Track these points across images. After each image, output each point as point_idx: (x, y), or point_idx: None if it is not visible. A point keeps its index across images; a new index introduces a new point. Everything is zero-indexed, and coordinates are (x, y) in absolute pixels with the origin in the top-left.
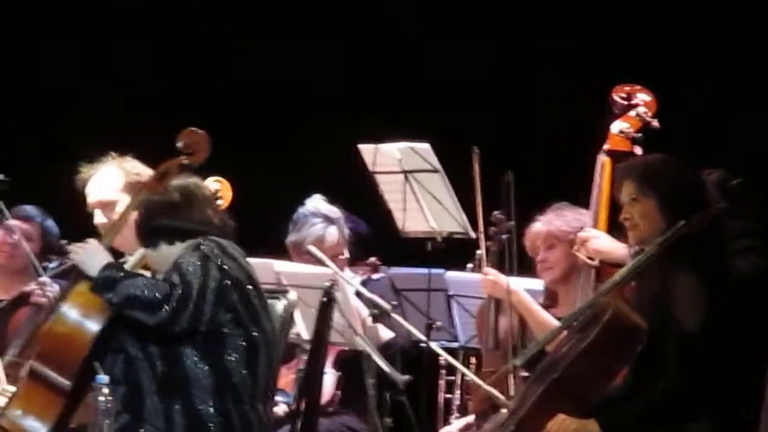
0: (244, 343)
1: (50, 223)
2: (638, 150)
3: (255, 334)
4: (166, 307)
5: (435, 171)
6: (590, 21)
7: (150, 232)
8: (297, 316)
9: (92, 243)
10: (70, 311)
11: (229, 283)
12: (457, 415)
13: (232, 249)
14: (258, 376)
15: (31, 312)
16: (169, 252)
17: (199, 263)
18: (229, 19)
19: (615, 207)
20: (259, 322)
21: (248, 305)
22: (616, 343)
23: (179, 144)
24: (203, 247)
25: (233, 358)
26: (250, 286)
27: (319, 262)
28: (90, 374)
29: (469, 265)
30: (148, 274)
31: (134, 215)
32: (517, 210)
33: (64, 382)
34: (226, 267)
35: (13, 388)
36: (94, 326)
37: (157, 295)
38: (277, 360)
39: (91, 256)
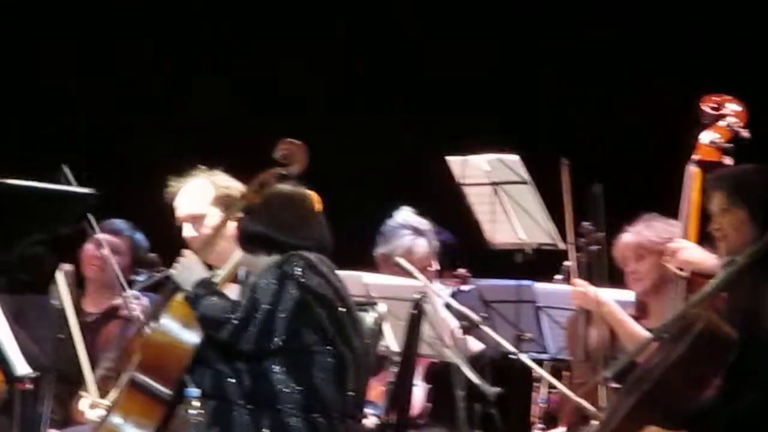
0: (332, 360)
1: (139, 237)
2: (728, 160)
3: (343, 350)
4: (228, 327)
5: (524, 182)
6: (678, 29)
7: (250, 240)
8: (386, 328)
9: (190, 256)
10: (171, 322)
11: (312, 300)
12: (542, 426)
13: (321, 265)
14: (347, 391)
15: (120, 325)
16: (266, 261)
17: (275, 282)
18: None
19: (705, 217)
20: (348, 338)
21: (336, 322)
22: (707, 354)
23: (277, 154)
24: (285, 267)
25: (321, 376)
26: (338, 302)
27: (408, 274)
28: (180, 386)
29: (559, 277)
30: (235, 288)
31: (226, 229)
32: (607, 221)
33: (165, 391)
34: (310, 284)
35: (105, 402)
36: (193, 337)
37: (221, 315)
38: (366, 373)
39: (187, 270)
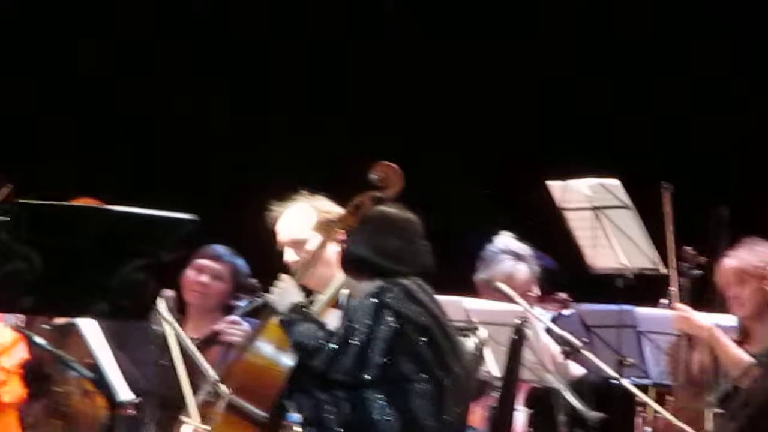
0: (430, 388)
1: (240, 263)
2: None
3: (443, 377)
4: (322, 356)
5: (625, 207)
6: None
7: (354, 264)
8: (487, 353)
9: (287, 281)
10: (266, 345)
11: (409, 328)
12: None
13: (419, 292)
14: (447, 418)
15: (221, 351)
16: (368, 286)
17: (372, 311)
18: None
19: None
20: (447, 365)
21: (434, 349)
22: None
23: (373, 177)
24: (382, 295)
25: (420, 404)
26: (436, 329)
27: (509, 299)
28: (281, 410)
29: (663, 301)
30: (337, 313)
31: (327, 253)
32: (710, 245)
33: (261, 414)
34: (406, 313)
35: (206, 427)
36: (288, 361)
37: (315, 343)
38: (467, 399)
39: (284, 294)
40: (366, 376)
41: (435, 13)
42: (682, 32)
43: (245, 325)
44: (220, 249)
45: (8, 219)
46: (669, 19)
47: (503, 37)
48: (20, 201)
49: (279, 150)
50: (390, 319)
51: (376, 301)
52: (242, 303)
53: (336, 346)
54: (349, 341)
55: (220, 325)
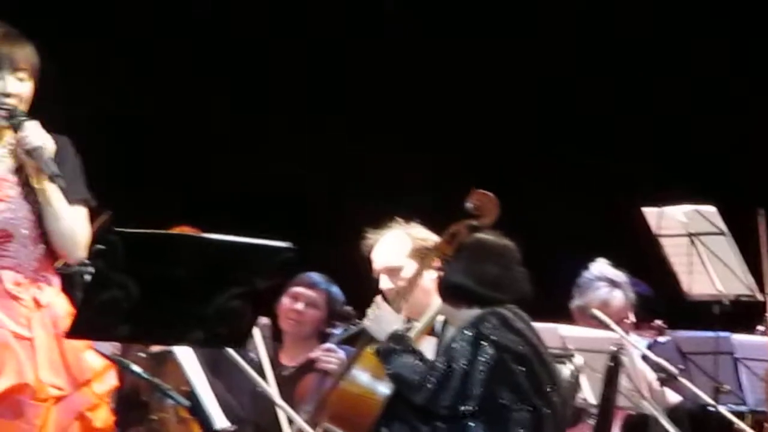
0: (529, 416)
1: (335, 290)
2: None
3: (541, 405)
4: (424, 392)
5: (721, 233)
6: None
7: (452, 292)
8: (583, 380)
9: (382, 306)
10: (362, 373)
11: (508, 358)
12: None
13: (516, 320)
14: None
15: (317, 379)
16: (466, 314)
17: (470, 343)
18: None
19: None
20: (545, 393)
21: (532, 377)
22: None
23: (468, 205)
24: (480, 326)
25: None
26: (534, 358)
27: (605, 325)
28: None
29: (760, 328)
30: (431, 341)
31: (422, 281)
32: None
33: None
34: (504, 343)
35: None
36: (384, 389)
37: (417, 378)
38: (563, 426)
39: (381, 321)
40: (467, 408)
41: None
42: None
43: (340, 353)
44: (316, 277)
45: (106, 247)
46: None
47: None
48: (118, 229)
49: (375, 178)
50: (489, 349)
51: (474, 331)
52: (337, 331)
53: (437, 381)
54: (450, 375)
55: (316, 353)
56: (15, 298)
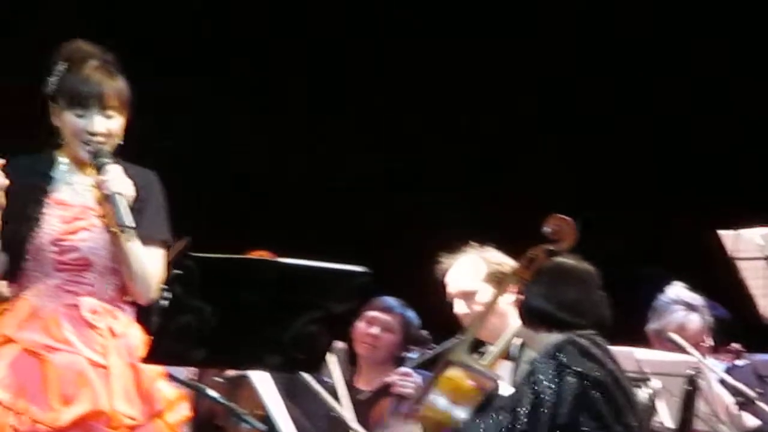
0: None
1: (411, 314)
2: None
3: (620, 431)
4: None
5: None
6: None
7: (532, 316)
8: (660, 404)
9: None
10: (439, 397)
11: (588, 386)
12: None
13: (594, 348)
14: None
15: (393, 403)
16: (545, 338)
17: (553, 377)
18: None
19: None
20: (624, 418)
21: (611, 404)
22: None
23: (546, 230)
24: (560, 356)
25: None
26: (613, 384)
27: (682, 349)
28: None
29: None
30: (508, 365)
31: (498, 305)
32: None
33: None
34: (584, 371)
35: None
36: (461, 413)
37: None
38: None
39: None
40: None
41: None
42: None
43: (416, 377)
44: (391, 301)
45: (182, 272)
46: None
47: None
48: (194, 254)
49: (450, 202)
50: (571, 380)
51: (555, 362)
52: (413, 355)
53: (526, 420)
54: (541, 414)
55: (391, 377)
56: (91, 326)
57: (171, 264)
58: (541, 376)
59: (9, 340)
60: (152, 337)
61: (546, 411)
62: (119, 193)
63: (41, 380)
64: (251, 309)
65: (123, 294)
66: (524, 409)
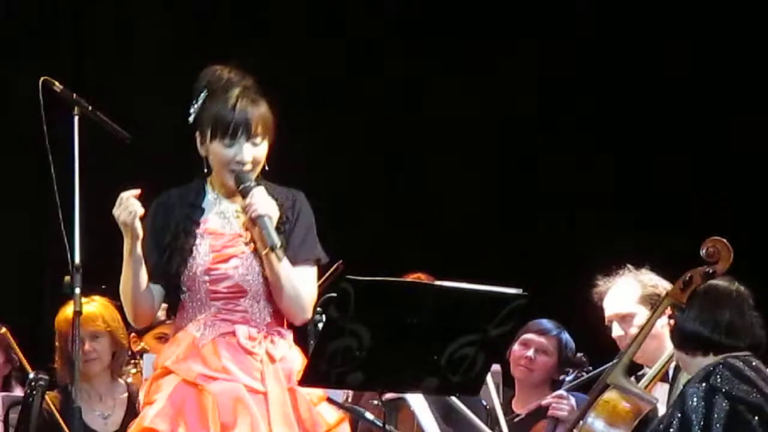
0: None
1: (566, 336)
2: None
3: None
4: None
5: None
6: None
7: (686, 339)
8: None
9: None
10: (596, 420)
11: (743, 409)
12: None
13: (748, 369)
14: None
15: (548, 425)
16: (700, 362)
17: (704, 399)
18: None
19: None
20: None
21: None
22: None
23: (702, 252)
24: (712, 379)
25: None
26: None
27: None
28: None
29: None
30: (664, 387)
31: (654, 328)
32: None
33: None
34: (737, 394)
35: None
36: None
37: None
38: None
39: None
40: None
41: None
42: None
43: (572, 400)
44: (547, 323)
45: (338, 295)
46: None
47: None
48: (351, 277)
49: (607, 227)
50: (723, 403)
51: (706, 385)
52: (569, 377)
53: None
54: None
55: (547, 400)
56: (249, 352)
57: (327, 286)
58: (690, 400)
59: (168, 372)
60: (308, 360)
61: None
62: (266, 215)
63: (199, 410)
64: (408, 332)
65: (280, 318)
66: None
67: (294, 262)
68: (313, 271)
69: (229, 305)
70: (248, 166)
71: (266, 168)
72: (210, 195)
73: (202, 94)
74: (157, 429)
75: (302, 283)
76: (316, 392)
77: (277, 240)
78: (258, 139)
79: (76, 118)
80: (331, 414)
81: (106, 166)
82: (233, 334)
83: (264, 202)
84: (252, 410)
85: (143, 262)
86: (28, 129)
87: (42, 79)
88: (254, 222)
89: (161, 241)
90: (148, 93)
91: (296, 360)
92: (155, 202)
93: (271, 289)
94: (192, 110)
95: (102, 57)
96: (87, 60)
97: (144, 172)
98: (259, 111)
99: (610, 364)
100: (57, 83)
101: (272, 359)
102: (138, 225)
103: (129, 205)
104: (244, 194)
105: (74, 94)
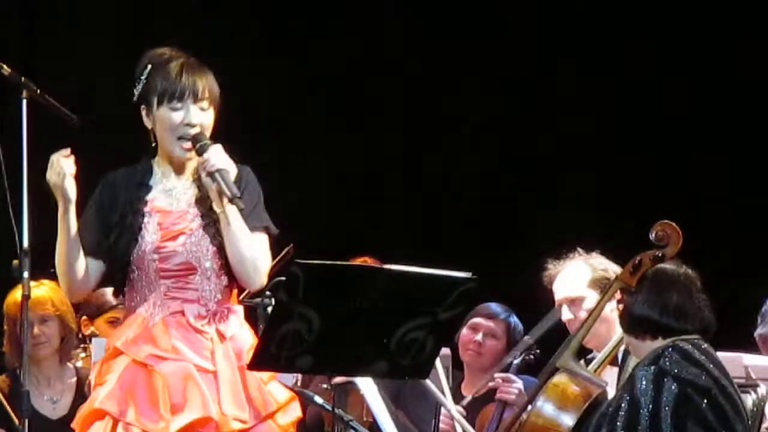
0: None
1: (514, 320)
2: None
3: None
4: None
5: None
6: None
7: (635, 323)
8: None
9: None
10: (546, 404)
11: (692, 392)
12: None
13: (698, 354)
14: None
15: (496, 408)
16: (649, 346)
17: (652, 381)
18: None
19: None
20: (731, 425)
21: (717, 410)
22: None
23: (652, 236)
24: (661, 362)
25: None
26: (717, 390)
27: None
28: None
29: None
30: (613, 371)
31: (603, 312)
32: None
33: None
34: (687, 377)
35: None
36: (569, 421)
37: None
38: None
39: None
40: None
41: None
42: None
43: (519, 383)
44: (495, 307)
45: (287, 279)
46: None
47: None
48: (298, 261)
49: (555, 208)
50: (672, 386)
51: (655, 368)
52: (517, 360)
53: (625, 427)
54: (637, 417)
55: (495, 382)
56: (198, 331)
57: (278, 270)
58: (639, 383)
59: (119, 353)
60: (258, 344)
61: (644, 418)
62: (224, 169)
63: (149, 391)
64: (357, 315)
65: (232, 295)
66: (621, 415)
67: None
68: (264, 238)
69: (179, 283)
70: (195, 129)
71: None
72: (157, 173)
73: (146, 70)
74: (107, 410)
75: (258, 247)
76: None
77: (236, 190)
78: (205, 104)
79: (24, 102)
80: (281, 392)
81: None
82: (183, 313)
83: (221, 158)
84: (202, 390)
85: (77, 228)
86: None
87: None
88: (212, 176)
89: (107, 219)
90: (99, 74)
91: (247, 338)
92: (102, 180)
93: (228, 250)
94: (136, 88)
95: (52, 38)
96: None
97: (94, 155)
98: (206, 78)
99: (560, 348)
100: (5, 66)
101: (222, 337)
102: (69, 186)
103: (59, 167)
104: (201, 152)
105: (23, 77)
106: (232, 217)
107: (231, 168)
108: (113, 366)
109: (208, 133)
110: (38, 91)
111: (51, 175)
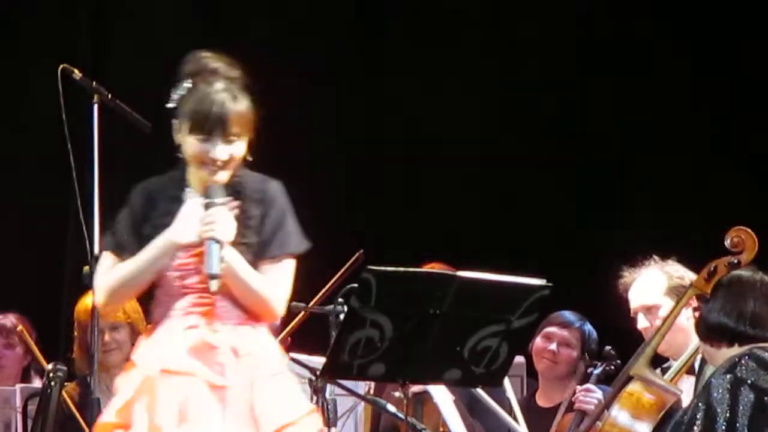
0: None
1: (589, 328)
2: None
3: None
4: None
5: None
6: None
7: (710, 331)
8: None
9: None
10: (620, 413)
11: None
12: None
13: None
14: None
15: (575, 419)
16: (725, 353)
17: (728, 391)
18: None
19: None
20: None
21: None
22: None
23: (727, 242)
24: (736, 370)
25: None
26: None
27: None
28: None
29: None
30: (690, 380)
31: (679, 319)
32: None
33: None
34: (764, 385)
35: None
36: (644, 429)
37: None
38: None
39: None
40: None
41: None
42: None
43: (599, 393)
44: (569, 315)
45: (359, 286)
46: None
47: None
48: (371, 267)
49: (633, 216)
50: (748, 393)
51: (731, 377)
52: (596, 370)
53: (706, 427)
54: (714, 426)
55: (576, 394)
56: (213, 347)
57: (348, 277)
58: (715, 392)
59: (134, 365)
60: (329, 352)
61: (720, 427)
62: (215, 240)
63: (157, 405)
64: (431, 323)
65: (252, 312)
66: (697, 424)
67: (262, 259)
68: (281, 267)
69: (198, 300)
70: (219, 164)
71: (249, 159)
72: (189, 186)
73: (185, 84)
74: (115, 423)
75: (266, 284)
76: (288, 383)
77: (216, 269)
78: (233, 138)
79: (96, 107)
80: (296, 408)
81: (125, 155)
82: (197, 327)
83: (220, 224)
84: (210, 406)
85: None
86: (47, 118)
87: (61, 66)
88: (202, 242)
89: (140, 230)
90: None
91: (267, 355)
92: (137, 188)
93: (235, 294)
94: (174, 96)
95: (123, 45)
96: (109, 48)
97: (166, 161)
98: (238, 108)
99: (634, 356)
100: (76, 71)
101: (237, 354)
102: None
103: (219, 228)
104: (206, 207)
105: (94, 82)
106: (233, 272)
107: (228, 235)
108: (129, 378)
109: (233, 164)
110: (109, 95)
111: (208, 231)
